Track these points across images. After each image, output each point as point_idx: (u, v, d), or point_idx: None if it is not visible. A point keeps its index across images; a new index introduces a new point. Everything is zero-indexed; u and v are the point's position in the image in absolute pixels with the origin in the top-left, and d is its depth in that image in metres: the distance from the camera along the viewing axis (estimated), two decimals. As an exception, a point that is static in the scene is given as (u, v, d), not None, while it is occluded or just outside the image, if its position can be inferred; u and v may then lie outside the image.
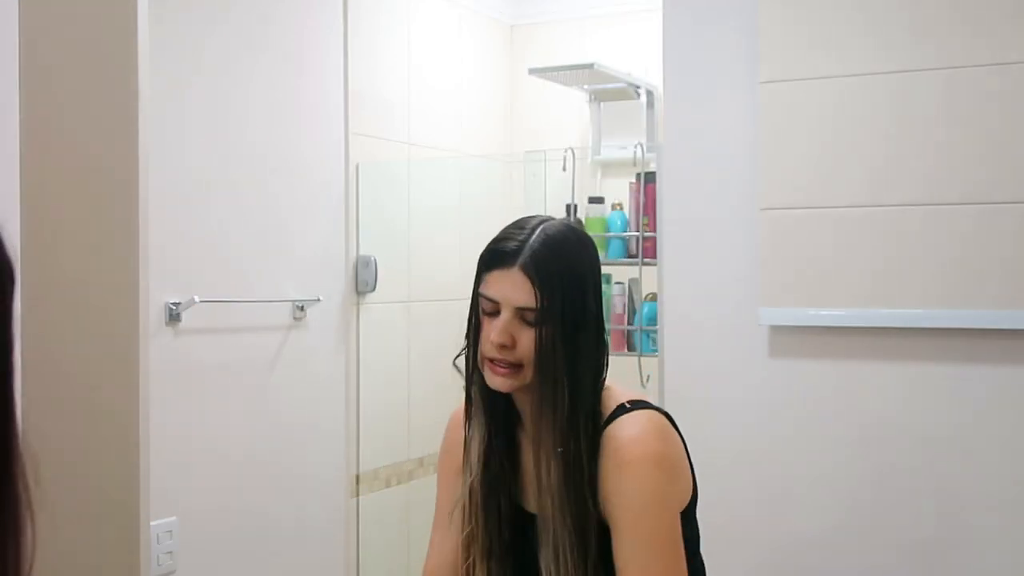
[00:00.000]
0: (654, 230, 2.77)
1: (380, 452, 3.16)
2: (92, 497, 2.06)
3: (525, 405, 1.44)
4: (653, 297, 2.94)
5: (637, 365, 2.88)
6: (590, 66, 3.26)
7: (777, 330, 2.36)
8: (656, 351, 2.75)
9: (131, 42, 2.01)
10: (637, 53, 3.49)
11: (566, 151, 3.31)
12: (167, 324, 2.42)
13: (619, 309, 3.14)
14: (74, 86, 2.08)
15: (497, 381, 1.39)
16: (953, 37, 2.18)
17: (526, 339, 1.36)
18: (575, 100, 3.65)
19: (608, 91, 3.49)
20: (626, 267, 3.15)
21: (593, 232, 3.19)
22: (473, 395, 1.47)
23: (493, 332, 1.37)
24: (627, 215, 3.14)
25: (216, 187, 2.56)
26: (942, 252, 2.18)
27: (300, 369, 2.83)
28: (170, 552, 2.39)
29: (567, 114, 3.71)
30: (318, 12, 2.92)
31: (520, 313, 1.37)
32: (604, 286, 3.27)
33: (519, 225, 1.43)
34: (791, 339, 2.34)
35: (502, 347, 1.37)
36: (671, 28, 2.48)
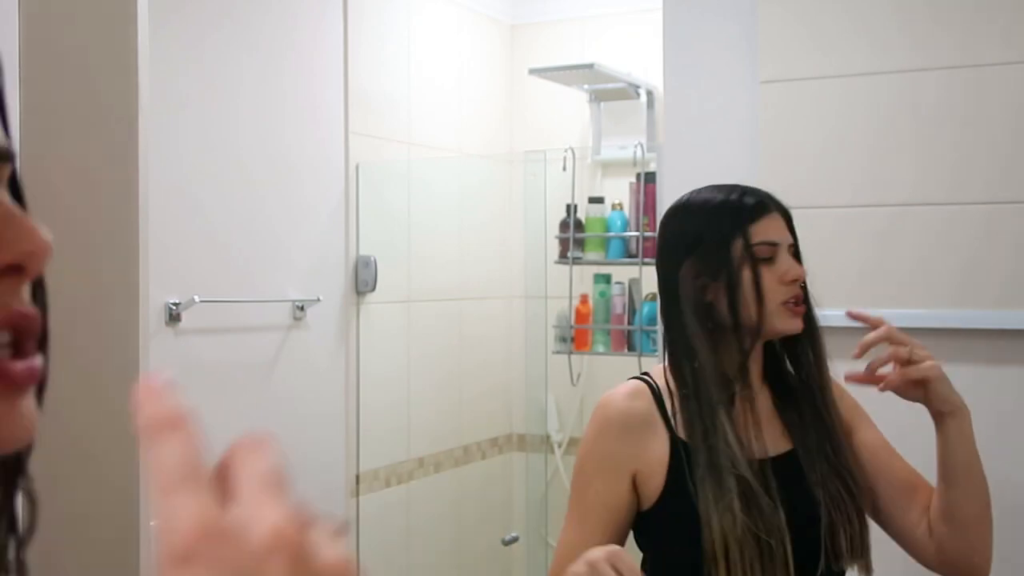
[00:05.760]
0: (654, 230, 2.77)
1: (380, 452, 3.16)
2: (92, 497, 2.06)
3: (756, 352, 1.48)
4: (653, 297, 2.95)
5: (637, 365, 2.88)
6: (590, 66, 3.26)
7: (777, 330, 2.36)
8: (656, 351, 2.75)
9: (131, 42, 2.01)
10: (637, 53, 3.49)
11: (566, 151, 3.31)
12: (167, 324, 2.42)
13: (619, 309, 3.14)
14: (74, 87, 2.08)
15: (797, 322, 1.44)
16: (954, 36, 2.18)
17: None
18: (575, 100, 3.65)
19: (608, 91, 3.50)
20: (626, 267, 3.15)
21: (593, 232, 3.19)
22: (704, 368, 1.42)
23: (792, 269, 1.43)
24: (627, 215, 3.15)
25: (216, 187, 2.56)
26: (943, 252, 2.18)
27: (300, 369, 2.83)
28: (170, 552, 2.39)
29: (567, 114, 3.71)
30: (318, 12, 2.92)
31: (789, 251, 1.46)
32: (604, 286, 3.29)
33: (730, 187, 1.52)
34: (791, 339, 2.34)
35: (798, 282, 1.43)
36: (671, 28, 2.48)
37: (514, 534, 3.57)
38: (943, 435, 1.42)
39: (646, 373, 1.53)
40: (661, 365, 1.52)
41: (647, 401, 1.46)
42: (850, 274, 2.26)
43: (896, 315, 2.23)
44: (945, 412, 1.41)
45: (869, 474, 1.51)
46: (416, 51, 3.37)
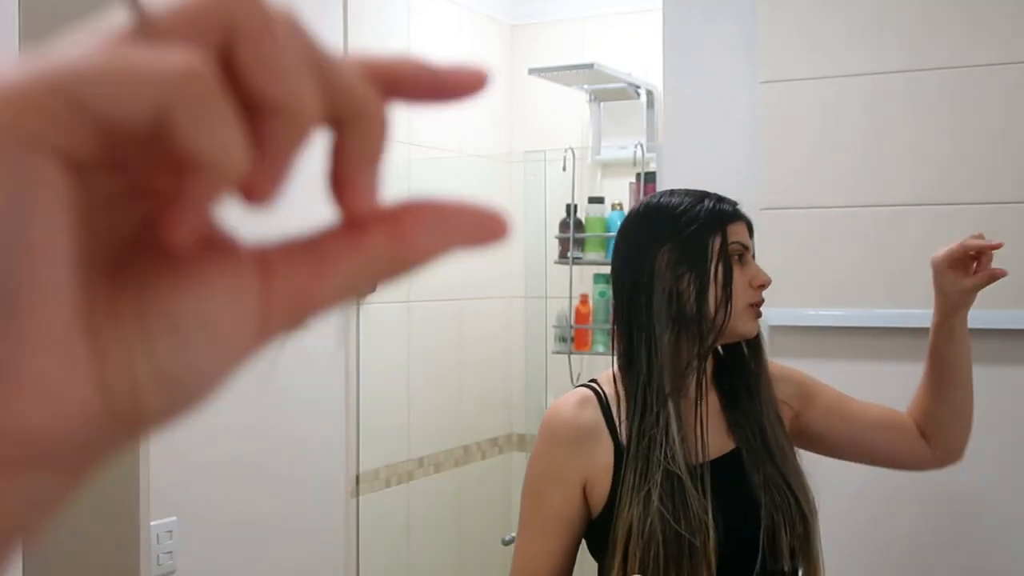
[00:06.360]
0: (654, 230, 2.77)
1: (380, 452, 3.16)
2: (92, 497, 2.06)
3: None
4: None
5: (637, 365, 2.88)
6: (590, 66, 3.27)
7: (777, 330, 2.36)
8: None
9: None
10: (637, 53, 3.49)
11: (566, 151, 3.31)
12: (167, 324, 2.42)
13: (619, 309, 3.14)
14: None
15: (756, 324, 1.48)
16: (954, 37, 2.18)
17: None
18: (575, 100, 3.66)
19: (608, 91, 3.50)
20: (626, 267, 3.15)
21: (593, 232, 3.20)
22: (661, 357, 1.43)
23: (761, 274, 1.47)
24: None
25: (216, 187, 2.57)
26: (942, 252, 2.18)
27: (300, 369, 2.83)
28: (170, 552, 2.40)
29: (567, 114, 3.71)
30: (318, 12, 2.92)
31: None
32: (604, 286, 3.29)
33: (700, 192, 1.54)
34: (791, 339, 2.34)
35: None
36: (671, 28, 2.48)
37: (514, 534, 3.57)
38: (959, 329, 1.56)
39: (594, 380, 1.53)
40: (610, 371, 1.52)
41: (594, 410, 1.47)
42: (850, 274, 2.26)
43: (894, 315, 2.24)
44: (960, 305, 1.55)
45: (845, 426, 1.60)
46: (416, 51, 3.37)
